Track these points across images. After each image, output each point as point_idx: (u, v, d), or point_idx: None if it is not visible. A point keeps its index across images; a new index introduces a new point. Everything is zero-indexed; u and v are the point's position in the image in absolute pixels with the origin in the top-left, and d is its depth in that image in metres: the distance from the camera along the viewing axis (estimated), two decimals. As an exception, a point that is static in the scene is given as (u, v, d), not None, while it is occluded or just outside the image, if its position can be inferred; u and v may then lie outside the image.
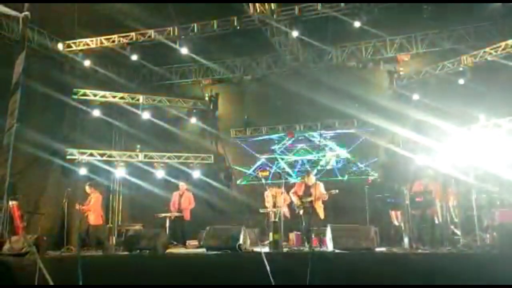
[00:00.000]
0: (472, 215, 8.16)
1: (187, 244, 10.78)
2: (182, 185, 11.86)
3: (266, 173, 13.83)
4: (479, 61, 11.48)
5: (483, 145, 10.74)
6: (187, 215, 11.47)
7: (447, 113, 11.41)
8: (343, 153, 13.50)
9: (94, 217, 10.50)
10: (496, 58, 11.11)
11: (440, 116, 11.57)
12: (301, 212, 9.85)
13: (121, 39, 12.30)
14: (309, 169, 13.04)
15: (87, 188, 10.69)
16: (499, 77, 11.25)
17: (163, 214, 11.22)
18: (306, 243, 9.53)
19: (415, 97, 12.42)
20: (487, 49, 11.29)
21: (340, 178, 13.30)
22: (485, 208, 8.41)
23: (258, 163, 14.19)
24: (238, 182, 14.12)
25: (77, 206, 10.31)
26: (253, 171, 14.17)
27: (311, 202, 9.64)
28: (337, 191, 9.92)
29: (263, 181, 13.19)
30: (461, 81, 11.74)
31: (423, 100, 12.24)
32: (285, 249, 8.64)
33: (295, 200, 9.90)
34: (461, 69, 11.76)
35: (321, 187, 9.88)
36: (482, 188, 8.60)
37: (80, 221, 10.63)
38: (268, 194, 10.85)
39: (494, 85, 11.08)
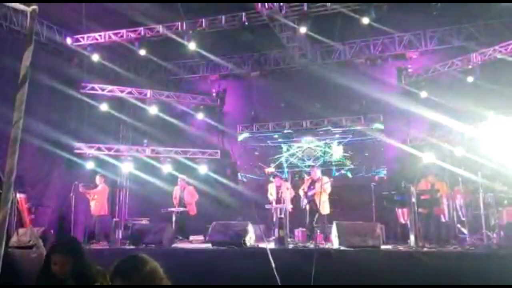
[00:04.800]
0: (479, 213, 8.13)
1: (191, 239, 10.83)
2: (181, 179, 11.93)
3: (272, 169, 13.83)
4: (489, 59, 11.37)
5: (491, 143, 10.67)
6: (192, 210, 11.54)
7: (456, 111, 11.34)
8: (349, 149, 13.44)
9: (99, 208, 10.93)
10: (506, 56, 10.99)
11: (448, 113, 11.51)
12: (307, 207, 9.89)
13: (130, 34, 12.31)
14: (314, 164, 13.05)
15: (98, 178, 11.25)
16: (509, 75, 11.16)
17: (170, 209, 11.29)
18: (310, 240, 9.56)
19: (424, 94, 12.34)
20: (497, 47, 11.17)
21: (346, 174, 13.25)
22: (493, 207, 8.38)
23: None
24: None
25: (81, 189, 10.74)
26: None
27: (313, 195, 9.69)
28: (331, 179, 10.03)
29: (270, 177, 13.24)
30: (470, 79, 11.64)
31: (432, 98, 12.16)
32: (290, 245, 8.66)
33: (302, 195, 9.96)
34: (470, 66, 11.66)
35: (324, 180, 9.98)
36: (489, 187, 8.56)
37: (87, 214, 10.86)
38: (272, 186, 10.87)
39: (503, 83, 10.99)
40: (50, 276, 3.39)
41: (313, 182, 9.97)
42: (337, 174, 13.20)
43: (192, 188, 11.94)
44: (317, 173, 10.19)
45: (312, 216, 9.80)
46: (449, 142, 11.62)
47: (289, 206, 10.15)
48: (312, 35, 11.85)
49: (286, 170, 13.67)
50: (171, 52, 13.76)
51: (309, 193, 9.83)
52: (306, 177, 10.88)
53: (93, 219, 11.06)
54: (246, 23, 11.41)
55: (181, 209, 11.37)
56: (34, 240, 8.14)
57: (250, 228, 8.42)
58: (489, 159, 9.93)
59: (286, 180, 10.84)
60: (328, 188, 9.89)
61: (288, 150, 14.02)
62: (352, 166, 13.27)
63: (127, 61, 14.30)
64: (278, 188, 10.70)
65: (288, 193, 10.35)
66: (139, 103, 14.03)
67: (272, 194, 10.79)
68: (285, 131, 13.91)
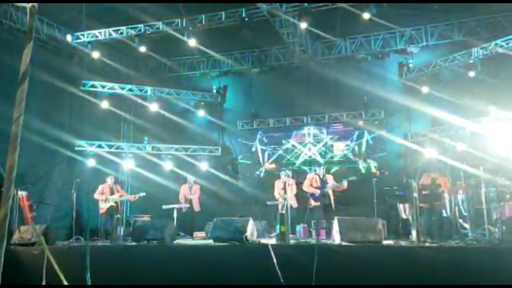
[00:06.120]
0: (481, 208, 8.11)
1: (194, 235, 10.86)
2: (190, 177, 12.05)
3: (273, 165, 13.82)
4: (490, 54, 11.34)
5: (493, 138, 10.65)
6: (197, 206, 11.65)
7: (457, 106, 11.33)
8: (351, 145, 13.42)
9: (116, 207, 11.29)
10: (507, 51, 10.97)
11: (450, 108, 11.50)
12: (317, 204, 9.91)
13: (130, 31, 12.28)
14: (320, 161, 13.04)
15: (111, 180, 11.40)
16: (510, 69, 11.13)
17: (171, 206, 11.31)
18: (318, 236, 9.55)
19: (425, 89, 12.32)
20: (498, 41, 11.14)
21: (347, 171, 13.22)
22: (494, 202, 8.36)
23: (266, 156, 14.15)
24: (258, 172, 13.98)
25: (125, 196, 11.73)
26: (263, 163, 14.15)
27: (328, 192, 9.76)
28: (354, 177, 10.05)
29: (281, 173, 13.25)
30: (472, 74, 11.61)
31: (433, 93, 12.14)
32: (292, 241, 8.66)
33: (313, 191, 9.97)
34: (471, 61, 11.62)
35: (331, 179, 10.04)
36: (491, 182, 8.53)
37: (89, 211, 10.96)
38: (279, 183, 10.87)
39: (505, 78, 10.97)
40: None
41: (322, 180, 9.99)
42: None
43: (198, 187, 12.10)
44: (323, 170, 10.23)
45: (320, 212, 9.86)
46: (450, 137, 11.61)
47: (292, 202, 10.16)
48: (313, 30, 11.82)
49: (287, 166, 13.66)
50: (171, 49, 13.76)
51: (324, 190, 9.85)
52: (311, 174, 10.80)
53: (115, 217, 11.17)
54: (246, 20, 11.39)
55: (183, 205, 11.42)
56: (36, 237, 8.15)
57: (252, 224, 8.41)
58: (490, 154, 9.92)
59: (289, 176, 10.83)
60: (343, 186, 9.96)
61: (288, 146, 14.00)
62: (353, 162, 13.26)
63: (128, 58, 14.30)
64: (285, 184, 10.69)
65: (290, 190, 10.34)
66: (139, 100, 14.02)
67: (280, 193, 10.75)
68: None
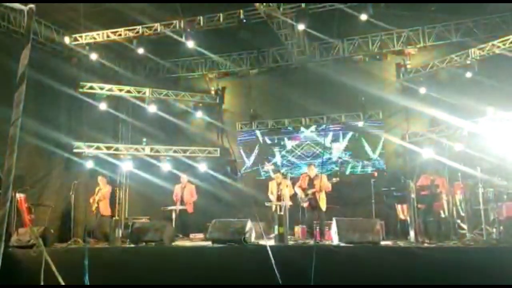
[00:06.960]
0: (479, 209, 8.13)
1: (192, 236, 10.85)
2: (183, 177, 11.96)
3: (272, 166, 13.82)
4: (487, 54, 11.37)
5: (491, 138, 10.67)
6: (190, 208, 11.54)
7: (455, 107, 11.35)
8: (350, 146, 13.44)
9: (104, 208, 11.33)
10: (505, 52, 11.00)
11: (447, 109, 11.52)
12: (305, 205, 9.92)
13: (128, 32, 12.27)
14: (311, 161, 13.05)
15: (101, 179, 11.48)
16: (507, 70, 11.17)
17: (169, 207, 11.30)
18: (311, 237, 9.58)
19: (423, 90, 12.34)
20: (495, 42, 11.18)
21: (346, 171, 13.24)
22: (492, 202, 8.38)
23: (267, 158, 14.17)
24: (242, 170, 14.09)
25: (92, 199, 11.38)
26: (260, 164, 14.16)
27: (314, 194, 9.72)
28: (337, 179, 10.03)
29: (271, 173, 13.25)
30: (469, 74, 11.64)
31: (431, 94, 12.17)
32: (290, 242, 8.67)
33: (299, 193, 9.98)
34: (468, 62, 11.65)
35: (324, 179, 9.99)
36: (489, 182, 8.56)
37: (87, 213, 10.97)
38: (273, 184, 10.87)
39: (502, 79, 11.00)
40: None
41: (311, 180, 9.98)
42: (336, 169, 13.19)
43: (193, 187, 11.95)
44: (314, 170, 10.22)
45: (311, 213, 9.84)
46: (448, 138, 11.63)
47: (288, 203, 10.16)
48: (311, 32, 11.84)
49: (284, 167, 13.69)
50: (170, 51, 13.76)
51: (309, 191, 9.85)
52: (303, 174, 10.85)
53: (100, 218, 11.18)
54: (244, 21, 11.39)
55: (180, 207, 11.37)
56: (34, 239, 8.14)
57: (250, 225, 8.42)
58: (488, 154, 9.94)
59: (286, 177, 10.84)
60: (329, 187, 9.92)
61: (287, 147, 14.02)
62: (351, 163, 13.30)
63: (126, 60, 14.29)
64: (279, 185, 10.71)
65: (287, 190, 10.36)
66: (138, 102, 14.01)
67: (272, 192, 10.79)
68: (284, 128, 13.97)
